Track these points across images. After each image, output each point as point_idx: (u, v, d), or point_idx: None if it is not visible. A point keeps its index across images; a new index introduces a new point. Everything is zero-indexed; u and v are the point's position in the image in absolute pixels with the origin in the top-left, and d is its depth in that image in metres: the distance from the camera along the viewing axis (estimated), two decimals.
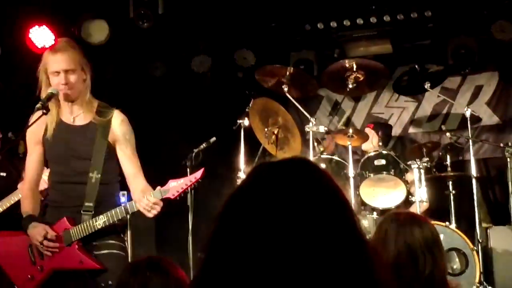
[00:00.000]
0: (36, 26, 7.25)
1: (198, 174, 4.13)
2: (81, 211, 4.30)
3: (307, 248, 1.48)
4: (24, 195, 4.58)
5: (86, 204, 4.29)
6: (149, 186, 4.34)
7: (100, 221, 4.23)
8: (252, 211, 1.53)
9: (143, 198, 4.12)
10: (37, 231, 4.33)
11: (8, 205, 6.65)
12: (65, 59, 4.28)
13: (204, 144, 7.50)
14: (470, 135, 7.30)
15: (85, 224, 4.27)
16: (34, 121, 4.31)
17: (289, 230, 1.49)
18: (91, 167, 4.32)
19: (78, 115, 4.44)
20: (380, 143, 7.37)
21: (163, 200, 4.15)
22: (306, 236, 1.49)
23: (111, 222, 4.24)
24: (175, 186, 4.12)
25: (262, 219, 1.51)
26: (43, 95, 4.31)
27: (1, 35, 7.71)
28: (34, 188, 4.55)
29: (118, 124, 4.42)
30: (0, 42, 7.71)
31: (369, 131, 7.67)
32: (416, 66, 7.62)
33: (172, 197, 4.13)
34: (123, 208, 4.20)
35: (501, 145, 7.35)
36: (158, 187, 4.18)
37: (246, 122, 7.14)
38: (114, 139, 4.41)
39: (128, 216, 7.44)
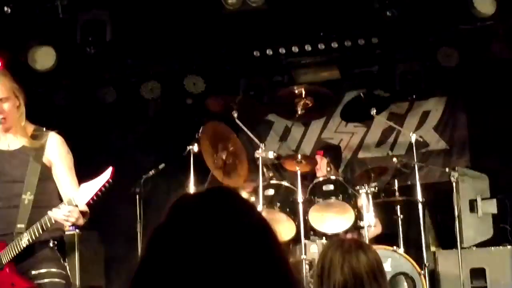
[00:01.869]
0: None
1: (107, 174, 4.01)
2: (14, 234, 4.24)
3: (227, 278, 1.48)
4: None
5: (18, 226, 4.23)
6: None
7: (25, 239, 4.16)
8: (172, 245, 1.53)
9: (57, 208, 4.07)
10: None
11: None
12: None
13: (153, 171, 7.46)
14: (416, 160, 7.37)
15: (11, 245, 4.22)
16: None
17: (209, 262, 1.48)
18: (24, 189, 4.28)
19: (12, 141, 4.41)
20: (329, 169, 7.40)
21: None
22: (226, 266, 1.48)
23: (34, 238, 4.15)
24: (86, 191, 4.04)
25: (182, 253, 1.50)
26: None
27: None
28: None
29: (53, 145, 4.40)
30: None
31: (319, 158, 7.71)
32: (361, 94, 7.70)
33: (84, 201, 4.05)
34: (42, 222, 4.12)
35: (447, 169, 7.45)
36: (71, 195, 4.14)
37: (195, 148, 7.11)
38: (50, 160, 4.38)
39: (75, 241, 7.46)
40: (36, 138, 4.40)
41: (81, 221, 4.19)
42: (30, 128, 4.46)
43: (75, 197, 4.06)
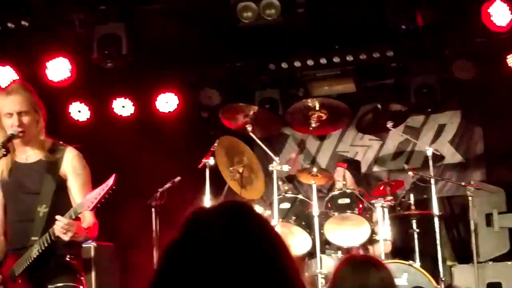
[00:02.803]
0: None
1: (110, 181, 4.02)
2: (28, 247, 4.27)
3: None
4: None
5: (33, 238, 4.25)
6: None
7: (35, 250, 4.19)
8: (185, 260, 1.54)
9: (57, 221, 4.08)
10: None
11: None
12: (18, 100, 4.29)
13: (169, 184, 7.46)
14: (432, 174, 7.34)
15: (23, 257, 4.24)
16: None
17: (222, 277, 1.49)
18: (39, 201, 4.31)
19: (30, 155, 4.45)
20: (344, 182, 7.39)
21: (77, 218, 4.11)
22: (239, 281, 1.49)
23: (44, 248, 4.16)
24: (89, 198, 4.05)
25: (195, 268, 1.51)
26: None
27: None
28: None
29: (70, 160, 4.44)
30: None
31: (342, 170, 7.70)
32: (378, 106, 7.67)
33: (89, 209, 4.06)
34: (50, 233, 4.13)
35: (463, 183, 7.42)
36: (73, 207, 4.15)
37: (211, 161, 7.09)
38: (65, 175, 4.40)
39: (92, 254, 7.47)
40: (53, 152, 4.44)
41: (80, 238, 4.22)
42: (49, 142, 4.49)
43: (78, 207, 4.08)
